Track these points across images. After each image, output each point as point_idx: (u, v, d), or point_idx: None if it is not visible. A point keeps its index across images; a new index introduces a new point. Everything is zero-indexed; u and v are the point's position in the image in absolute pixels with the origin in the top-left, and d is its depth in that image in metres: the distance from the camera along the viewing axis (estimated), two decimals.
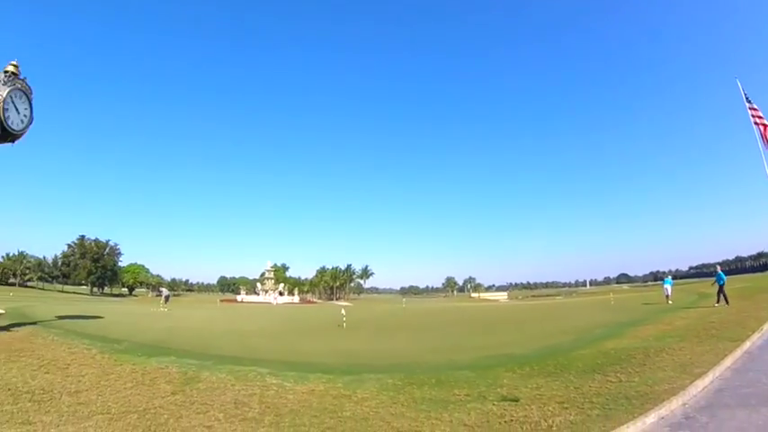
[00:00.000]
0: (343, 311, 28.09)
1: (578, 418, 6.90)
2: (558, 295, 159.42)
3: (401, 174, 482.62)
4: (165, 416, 7.34)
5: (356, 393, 8.61)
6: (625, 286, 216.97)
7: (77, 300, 66.79)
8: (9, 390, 8.19)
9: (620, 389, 8.43)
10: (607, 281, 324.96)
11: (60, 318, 21.82)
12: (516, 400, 7.92)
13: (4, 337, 13.71)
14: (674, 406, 7.56)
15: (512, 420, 6.89)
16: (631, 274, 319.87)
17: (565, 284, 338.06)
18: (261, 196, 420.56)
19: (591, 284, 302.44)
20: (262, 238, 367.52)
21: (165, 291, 52.43)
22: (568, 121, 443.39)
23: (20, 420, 6.74)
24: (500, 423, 6.83)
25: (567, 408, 7.42)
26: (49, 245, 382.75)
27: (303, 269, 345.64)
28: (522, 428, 6.57)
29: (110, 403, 7.90)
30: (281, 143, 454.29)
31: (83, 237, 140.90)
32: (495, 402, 7.83)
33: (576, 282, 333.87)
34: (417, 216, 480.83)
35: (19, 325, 16.36)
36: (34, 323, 17.72)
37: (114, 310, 35.09)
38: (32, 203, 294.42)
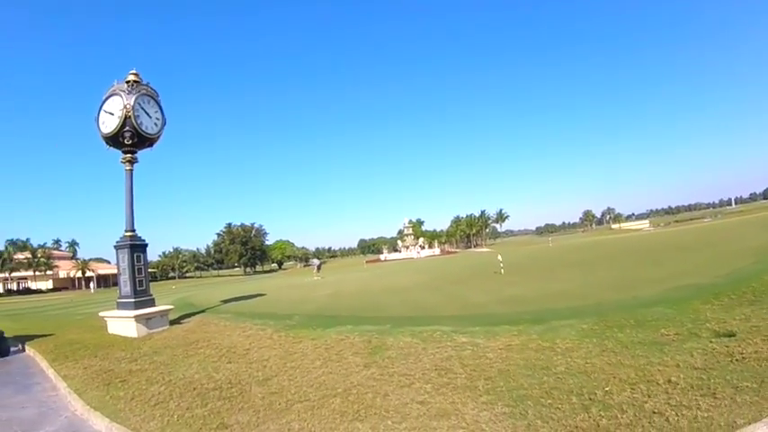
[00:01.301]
0: (499, 257, 27.11)
1: None
2: (704, 218, 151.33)
3: (525, 108, 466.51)
4: (370, 395, 6.55)
5: (557, 344, 7.74)
6: None
7: (234, 281, 71.59)
8: (195, 389, 7.65)
9: None
10: (753, 197, 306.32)
11: (225, 301, 22.46)
12: (733, 335, 7.08)
13: (176, 330, 13.88)
14: None
15: (743, 358, 6.05)
16: None
17: (708, 205, 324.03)
18: (390, 155, 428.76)
19: (737, 203, 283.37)
20: (394, 197, 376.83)
21: (316, 261, 54.36)
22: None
23: (215, 425, 6.05)
24: (732, 362, 5.99)
25: None
26: (200, 237, 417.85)
27: (437, 221, 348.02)
28: (761, 366, 5.68)
29: (305, 388, 7.19)
30: (400, 99, 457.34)
31: (229, 224, 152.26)
32: (712, 340, 6.94)
33: (721, 201, 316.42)
34: (546, 150, 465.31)
35: (188, 316, 16.76)
36: (202, 311, 18.19)
37: (272, 286, 36.17)
38: (179, 202, 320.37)
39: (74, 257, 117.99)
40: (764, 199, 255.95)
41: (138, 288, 14.36)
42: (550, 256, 36.51)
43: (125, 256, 14.27)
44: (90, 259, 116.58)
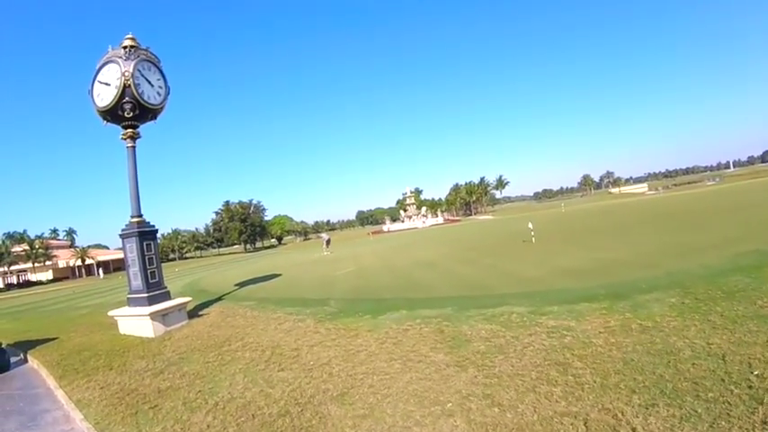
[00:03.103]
0: (530, 225, 25.60)
1: None
2: (703, 181, 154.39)
3: (520, 73, 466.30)
4: (495, 410, 5.07)
5: (659, 323, 6.88)
6: None
7: (239, 260, 69.72)
8: (254, 416, 5.89)
9: None
10: (751, 160, 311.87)
11: (239, 285, 21.05)
12: None
13: (198, 326, 12.17)
14: None
15: None
16: None
17: (706, 168, 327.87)
18: (383, 125, 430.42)
19: (735, 166, 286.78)
20: (389, 167, 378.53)
21: (324, 235, 52.62)
22: None
23: None
24: None
25: None
26: (198, 217, 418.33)
27: (434, 190, 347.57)
28: None
29: (401, 404, 5.54)
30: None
31: (227, 202, 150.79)
32: None
33: (718, 164, 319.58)
34: (541, 116, 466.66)
35: (205, 305, 15.20)
36: (219, 298, 16.70)
37: (283, 264, 34.54)
38: (174, 183, 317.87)
39: (72, 246, 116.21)
40: (763, 162, 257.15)
41: (150, 280, 12.59)
42: (575, 223, 35.50)
43: (133, 245, 12.46)
44: (88, 246, 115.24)
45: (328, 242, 45.41)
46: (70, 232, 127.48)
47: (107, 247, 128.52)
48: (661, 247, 15.00)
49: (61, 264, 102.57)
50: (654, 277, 10.11)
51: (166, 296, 13.03)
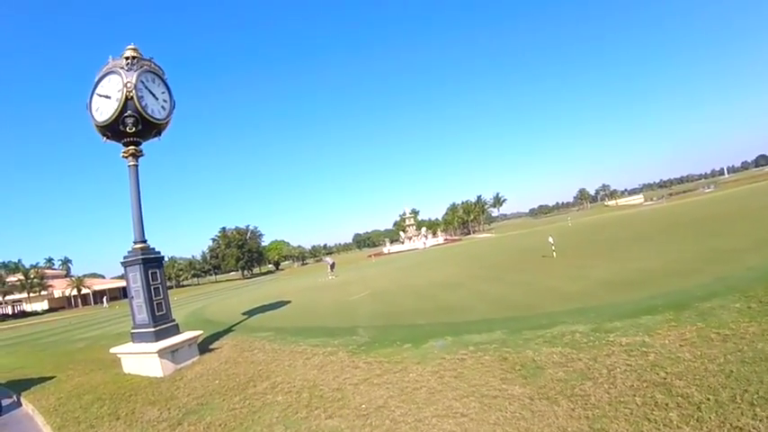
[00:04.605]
0: (550, 239, 25.00)
1: None
2: (698, 189, 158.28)
3: (512, 91, 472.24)
4: None
5: (735, 330, 6.53)
6: (767, 168, 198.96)
7: (238, 286, 68.38)
8: None
9: None
10: (745, 166, 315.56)
11: (247, 314, 19.73)
12: None
13: (212, 362, 10.85)
14: None
15: None
16: None
17: (700, 176, 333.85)
18: (377, 148, 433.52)
19: (729, 172, 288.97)
20: (384, 189, 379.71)
21: (328, 259, 51.51)
22: None
23: None
24: None
25: None
26: (193, 244, 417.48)
27: (429, 210, 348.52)
28: None
29: None
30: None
31: (224, 228, 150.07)
32: None
33: (712, 171, 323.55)
34: (534, 132, 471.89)
35: (215, 338, 13.93)
36: (230, 329, 15.36)
37: (289, 290, 33.21)
38: (169, 210, 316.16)
39: (67, 275, 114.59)
40: (757, 167, 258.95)
41: (157, 313, 11.30)
42: (588, 236, 34.87)
43: (137, 274, 11.18)
44: (84, 275, 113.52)
45: (333, 266, 44.14)
46: (65, 261, 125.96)
47: (103, 276, 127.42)
48: (694, 254, 14.67)
49: (57, 293, 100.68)
50: (705, 284, 9.84)
51: (175, 330, 11.76)
